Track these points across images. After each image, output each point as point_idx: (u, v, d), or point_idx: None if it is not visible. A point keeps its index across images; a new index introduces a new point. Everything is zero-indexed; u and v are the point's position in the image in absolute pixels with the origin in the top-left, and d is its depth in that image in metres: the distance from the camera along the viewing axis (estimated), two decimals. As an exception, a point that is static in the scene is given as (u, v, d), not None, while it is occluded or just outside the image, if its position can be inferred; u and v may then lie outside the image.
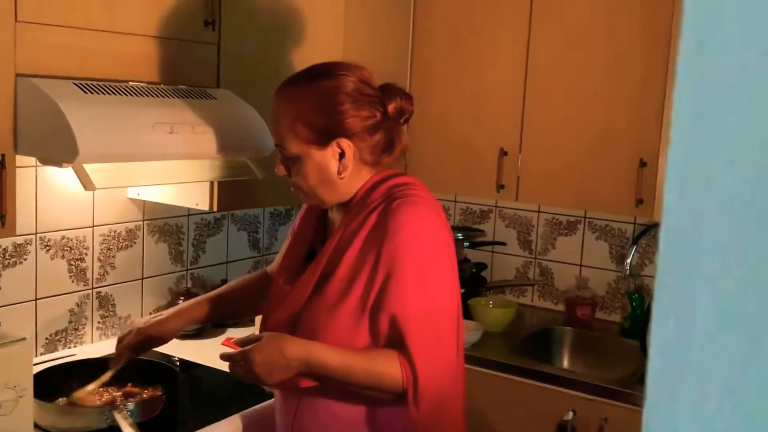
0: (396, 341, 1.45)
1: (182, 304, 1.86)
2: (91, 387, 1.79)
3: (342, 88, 1.51)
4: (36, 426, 1.60)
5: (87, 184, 1.62)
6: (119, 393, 1.86)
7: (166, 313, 1.82)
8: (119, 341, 1.79)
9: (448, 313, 1.50)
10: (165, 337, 1.79)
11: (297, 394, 1.58)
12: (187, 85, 1.98)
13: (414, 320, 1.45)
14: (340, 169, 1.53)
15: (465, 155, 2.77)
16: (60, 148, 1.60)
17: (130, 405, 1.70)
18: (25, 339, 1.42)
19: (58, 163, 1.65)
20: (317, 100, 1.51)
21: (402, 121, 1.58)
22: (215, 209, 2.15)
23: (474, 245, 3.04)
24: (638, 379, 2.32)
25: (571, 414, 2.28)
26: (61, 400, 1.81)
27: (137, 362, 1.91)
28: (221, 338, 2.46)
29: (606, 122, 2.51)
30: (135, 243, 2.38)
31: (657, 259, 0.44)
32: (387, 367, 1.44)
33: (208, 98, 1.98)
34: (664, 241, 0.43)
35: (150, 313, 2.36)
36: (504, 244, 3.07)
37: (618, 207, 2.54)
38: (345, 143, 1.51)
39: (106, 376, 1.79)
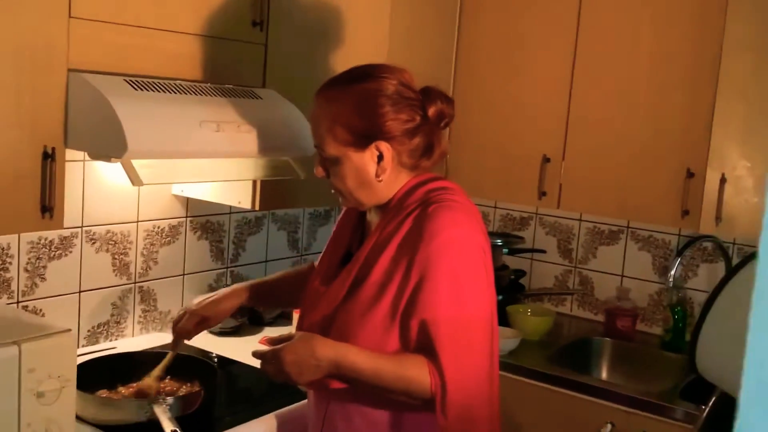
0: (426, 347, 1.44)
1: (234, 285, 1.87)
2: (155, 373, 1.83)
3: (382, 91, 1.50)
4: (76, 417, 1.63)
5: (134, 179, 1.64)
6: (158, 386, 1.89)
7: (217, 293, 1.84)
8: (174, 325, 1.82)
9: (480, 321, 1.48)
10: (218, 317, 1.81)
11: (328, 395, 1.58)
12: (234, 84, 1.99)
13: (444, 326, 1.43)
14: (378, 172, 1.52)
15: (507, 161, 2.75)
16: (109, 143, 1.62)
17: (170, 399, 1.72)
18: (70, 330, 1.44)
19: (106, 157, 1.67)
20: (356, 102, 1.50)
21: (442, 125, 1.56)
22: (257, 208, 2.16)
23: (513, 252, 3.01)
24: (679, 393, 2.28)
25: (609, 427, 2.25)
26: (102, 392, 1.84)
27: (177, 357, 1.93)
28: (258, 336, 2.47)
29: (653, 131, 2.47)
30: (177, 239, 2.41)
31: (757, 274, 0.42)
32: (416, 373, 1.43)
33: (254, 98, 1.99)
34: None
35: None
36: (544, 251, 3.04)
37: (663, 218, 2.50)
38: (384, 146, 1.50)
39: (167, 361, 1.83)
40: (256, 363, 2.15)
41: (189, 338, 1.82)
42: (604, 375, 2.74)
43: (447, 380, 1.42)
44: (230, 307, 1.83)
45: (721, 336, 0.95)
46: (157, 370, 1.84)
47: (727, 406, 1.05)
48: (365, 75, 1.53)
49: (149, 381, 1.83)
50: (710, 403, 1.08)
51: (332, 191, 1.59)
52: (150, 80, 1.78)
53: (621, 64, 2.52)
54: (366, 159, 1.51)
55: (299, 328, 1.61)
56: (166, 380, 1.91)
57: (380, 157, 1.51)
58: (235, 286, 1.87)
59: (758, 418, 0.42)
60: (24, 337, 1.37)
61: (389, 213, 1.55)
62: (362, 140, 1.50)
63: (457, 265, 1.46)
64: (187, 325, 1.79)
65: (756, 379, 0.42)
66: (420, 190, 1.54)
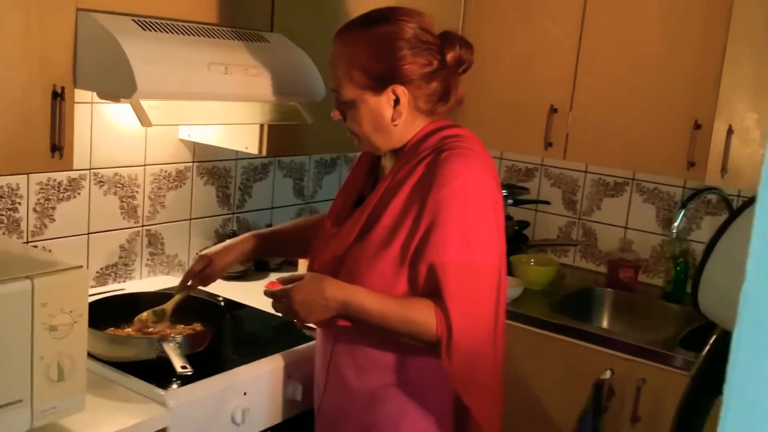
0: (433, 291, 1.46)
1: (245, 234, 1.90)
2: (158, 309, 1.87)
3: (400, 34, 1.49)
4: (87, 354, 1.66)
5: (143, 120, 1.65)
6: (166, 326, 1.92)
7: (228, 242, 1.87)
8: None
9: (488, 268, 1.49)
10: (225, 263, 1.84)
11: (334, 336, 1.61)
12: (242, 28, 1.98)
13: (452, 271, 1.45)
14: (394, 116, 1.52)
15: (513, 111, 2.74)
16: (118, 83, 1.62)
17: (179, 338, 1.75)
18: (82, 267, 1.47)
19: (115, 98, 1.67)
20: (374, 45, 1.50)
21: (460, 70, 1.56)
22: (264, 153, 2.17)
23: (517, 203, 3.02)
24: (679, 342, 2.31)
25: (608, 373, 2.28)
26: (110, 330, 1.87)
27: (187, 299, 1.97)
28: (265, 281, 2.50)
29: (661, 82, 2.46)
30: (184, 184, 2.42)
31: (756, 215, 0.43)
32: (422, 316, 1.45)
33: (262, 41, 1.99)
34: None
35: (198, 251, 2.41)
36: (548, 203, 3.05)
37: (669, 169, 2.50)
38: (400, 90, 1.50)
39: (174, 301, 1.87)
40: (262, 306, 2.20)
41: (195, 285, 1.86)
42: (605, 324, 2.78)
43: (453, 324, 1.44)
44: (236, 255, 1.86)
45: (723, 274, 0.97)
46: (163, 308, 1.87)
47: (725, 348, 1.07)
48: (384, 18, 1.52)
49: (145, 315, 1.86)
50: (708, 345, 1.10)
51: (348, 134, 1.60)
52: (158, 21, 1.77)
53: (631, 13, 2.50)
54: (382, 103, 1.51)
55: (310, 268, 1.64)
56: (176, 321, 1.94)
57: (396, 101, 1.51)
58: (246, 235, 1.90)
59: (753, 353, 0.44)
60: (37, 272, 1.39)
61: (403, 158, 1.55)
62: (379, 84, 1.50)
63: (467, 212, 1.46)
64: (195, 268, 1.83)
65: (751, 317, 0.44)
66: (435, 137, 1.54)
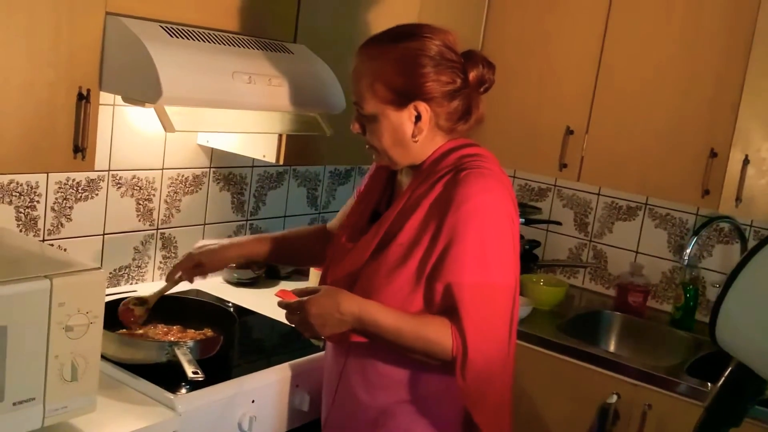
0: (449, 310, 1.46)
1: (239, 237, 1.91)
2: (143, 297, 1.86)
3: (425, 51, 1.50)
4: (99, 354, 1.68)
5: (167, 125, 1.66)
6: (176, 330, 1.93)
7: (220, 242, 1.87)
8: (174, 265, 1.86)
9: (504, 288, 1.50)
10: (215, 265, 1.84)
11: (347, 350, 1.61)
12: (266, 38, 2.00)
13: (469, 291, 1.45)
14: (414, 132, 1.53)
15: (530, 131, 2.75)
16: (144, 88, 1.64)
17: (190, 342, 1.76)
18: (100, 269, 1.48)
19: (140, 102, 1.69)
20: (399, 60, 1.51)
21: (482, 90, 1.57)
22: (282, 162, 2.18)
23: (529, 222, 3.03)
24: (686, 369, 2.31)
25: (614, 397, 2.28)
26: (122, 332, 1.88)
27: (198, 304, 1.98)
28: (275, 289, 2.51)
29: (679, 109, 2.46)
30: (200, 189, 2.44)
31: None
32: (438, 335, 1.46)
33: (286, 52, 2.00)
34: None
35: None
36: (559, 223, 3.06)
37: (683, 196, 2.50)
38: (422, 107, 1.51)
39: (158, 294, 1.86)
40: (272, 314, 2.21)
41: (183, 279, 1.85)
42: (612, 348, 2.78)
43: (468, 344, 1.44)
44: (228, 259, 1.86)
45: (742, 308, 0.97)
46: (147, 297, 1.86)
47: (740, 381, 1.08)
48: (409, 34, 1.53)
49: (129, 305, 1.85)
50: (723, 377, 1.10)
51: (367, 147, 1.61)
52: (186, 28, 1.79)
53: (652, 39, 2.51)
54: (404, 118, 1.52)
55: (322, 282, 1.64)
56: (186, 325, 1.95)
57: (418, 118, 1.52)
58: (241, 238, 1.91)
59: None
60: (55, 271, 1.40)
61: (421, 175, 1.56)
62: (401, 99, 1.51)
63: (485, 232, 1.47)
64: (181, 265, 1.83)
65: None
66: (453, 155, 1.54)
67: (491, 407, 1.53)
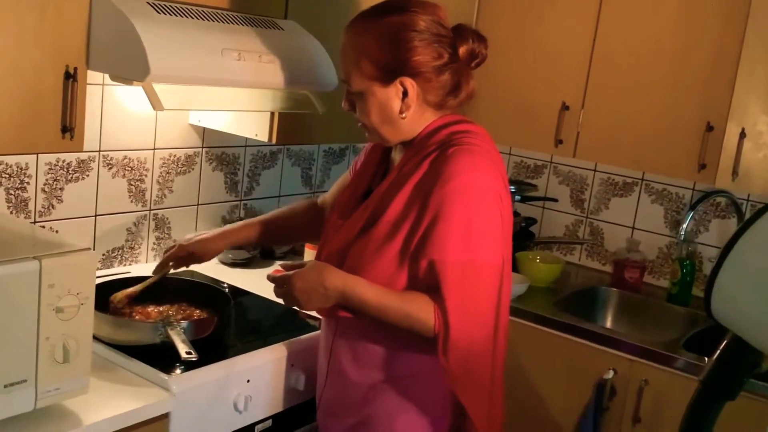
0: (433, 288, 1.45)
1: (228, 225, 1.92)
2: (129, 290, 1.86)
3: (411, 25, 1.48)
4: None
5: (155, 103, 1.64)
6: (172, 310, 1.92)
7: (210, 232, 1.88)
8: (164, 253, 1.88)
9: (489, 267, 1.48)
10: (206, 255, 1.86)
11: (335, 328, 1.62)
12: (256, 14, 1.97)
13: (452, 268, 1.44)
14: (402, 109, 1.51)
15: (525, 107, 2.73)
16: (131, 66, 1.62)
17: (184, 323, 1.75)
18: (90, 249, 1.46)
19: (128, 80, 1.67)
20: (383, 35, 1.48)
21: (473, 64, 1.54)
22: (274, 141, 2.16)
23: (525, 200, 3.01)
24: (682, 344, 2.31)
25: (611, 373, 2.28)
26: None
27: (192, 284, 1.97)
28: (270, 269, 2.50)
29: (675, 82, 2.44)
30: (193, 169, 2.42)
31: None
32: (420, 312, 1.45)
33: (276, 28, 1.97)
34: None
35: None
36: (556, 200, 3.04)
37: (679, 171, 2.49)
38: (408, 82, 1.49)
39: (146, 283, 1.87)
40: (267, 294, 2.20)
41: (175, 269, 1.88)
42: (609, 324, 2.77)
43: (450, 322, 1.43)
44: (219, 247, 1.88)
45: (737, 280, 0.96)
46: (132, 289, 1.86)
47: (736, 354, 1.07)
48: (396, 8, 1.50)
49: (120, 296, 1.84)
50: (718, 350, 1.09)
51: (359, 125, 1.59)
52: (173, 4, 1.76)
53: (647, 13, 2.48)
54: (390, 95, 1.50)
55: (317, 258, 1.64)
56: (182, 305, 1.94)
57: (405, 94, 1.50)
58: (230, 226, 1.92)
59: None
60: (45, 252, 1.39)
61: (410, 152, 1.54)
62: (387, 75, 1.49)
63: (470, 209, 1.45)
64: (172, 255, 1.84)
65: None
66: (443, 132, 1.53)
67: (477, 387, 1.51)
